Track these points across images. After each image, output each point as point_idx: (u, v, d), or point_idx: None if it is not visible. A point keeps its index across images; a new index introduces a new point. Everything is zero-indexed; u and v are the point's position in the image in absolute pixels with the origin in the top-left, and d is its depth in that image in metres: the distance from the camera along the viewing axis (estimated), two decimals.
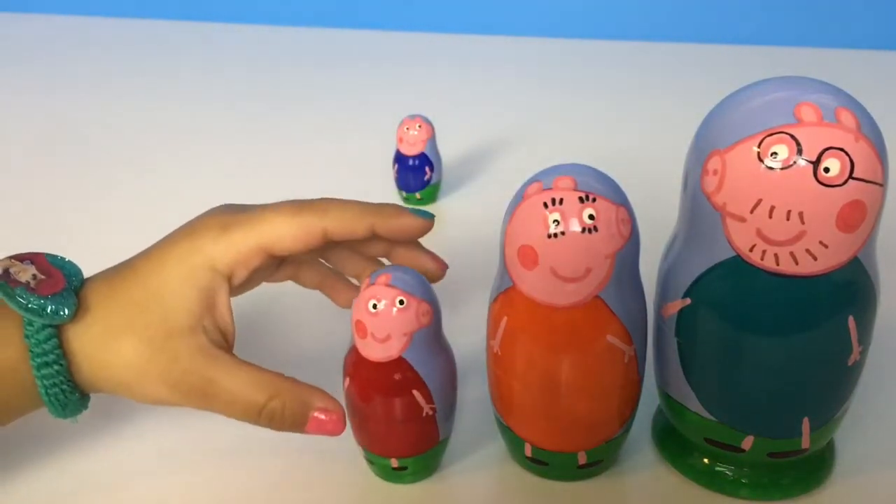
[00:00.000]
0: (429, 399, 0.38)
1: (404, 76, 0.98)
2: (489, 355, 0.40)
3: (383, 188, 0.71)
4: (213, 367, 0.37)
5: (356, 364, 0.39)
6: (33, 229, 0.66)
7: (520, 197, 0.35)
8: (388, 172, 0.69)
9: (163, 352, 0.36)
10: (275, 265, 0.43)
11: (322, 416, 0.37)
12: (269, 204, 0.39)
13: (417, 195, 0.68)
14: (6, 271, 0.37)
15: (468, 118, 0.85)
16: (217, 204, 0.40)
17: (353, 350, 0.39)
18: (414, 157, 0.66)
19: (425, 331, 0.38)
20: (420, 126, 0.66)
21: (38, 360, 0.36)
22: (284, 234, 0.38)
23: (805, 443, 0.38)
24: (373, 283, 0.37)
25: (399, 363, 0.38)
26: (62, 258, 0.40)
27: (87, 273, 0.40)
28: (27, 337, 0.36)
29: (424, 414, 0.39)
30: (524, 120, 0.87)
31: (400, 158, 0.67)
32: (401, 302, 0.37)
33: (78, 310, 0.37)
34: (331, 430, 0.38)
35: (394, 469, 0.41)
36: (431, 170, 0.67)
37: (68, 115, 0.90)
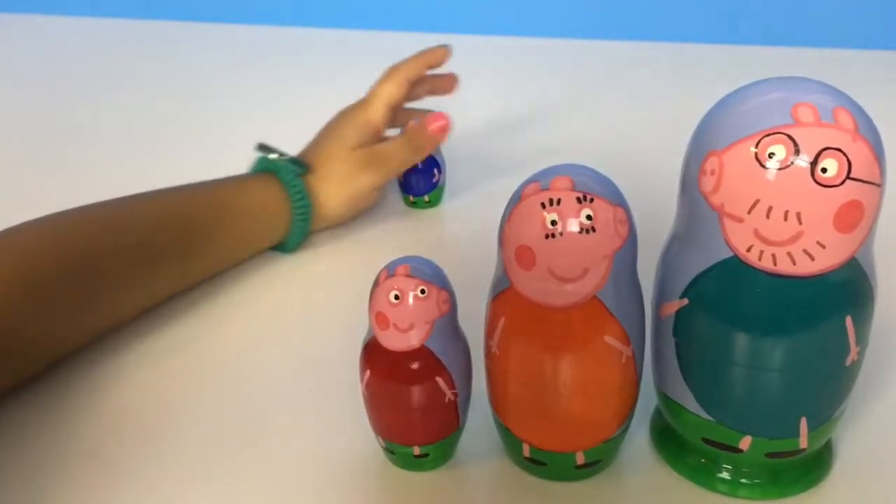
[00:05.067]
0: (451, 385, 0.39)
1: None
2: (487, 355, 0.39)
3: (386, 191, 0.70)
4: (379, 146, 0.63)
5: (377, 356, 0.39)
6: None
7: (517, 197, 0.35)
8: None
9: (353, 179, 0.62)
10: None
11: (437, 124, 0.62)
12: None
13: (426, 198, 0.68)
14: (265, 147, 0.61)
15: (468, 119, 0.85)
16: None
17: (373, 342, 0.39)
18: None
19: (445, 318, 0.38)
20: None
21: (296, 198, 0.58)
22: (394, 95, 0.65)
23: (803, 443, 0.38)
24: (392, 275, 0.38)
25: (422, 351, 0.38)
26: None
27: None
28: (285, 184, 0.58)
29: (447, 400, 0.39)
30: (525, 120, 0.86)
31: None
32: (422, 291, 0.37)
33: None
34: (443, 125, 0.62)
35: (415, 457, 0.41)
36: (439, 171, 0.67)
37: (67, 115, 0.90)
